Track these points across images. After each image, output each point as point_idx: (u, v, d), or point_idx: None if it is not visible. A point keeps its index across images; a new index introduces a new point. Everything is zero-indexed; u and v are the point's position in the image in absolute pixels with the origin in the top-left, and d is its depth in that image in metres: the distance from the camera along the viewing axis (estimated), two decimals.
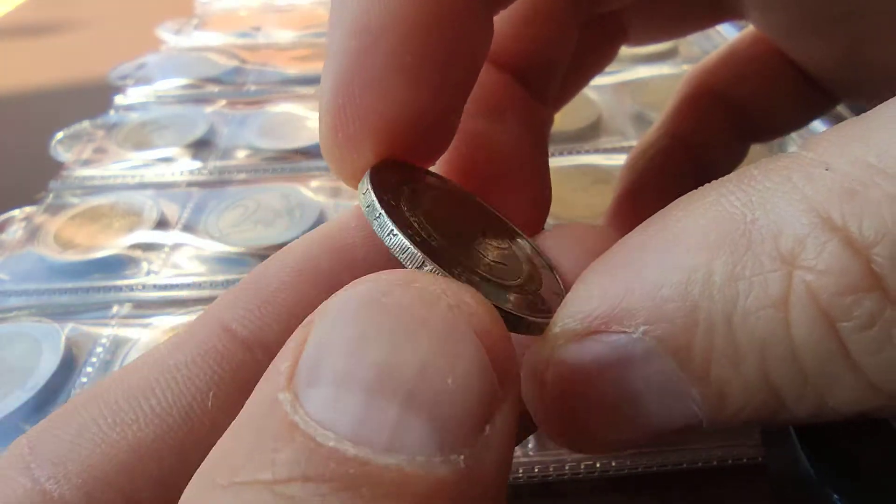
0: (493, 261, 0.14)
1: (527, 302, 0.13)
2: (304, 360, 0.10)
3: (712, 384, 0.11)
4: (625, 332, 0.12)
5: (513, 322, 0.12)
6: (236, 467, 0.09)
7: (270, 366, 0.11)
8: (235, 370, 0.14)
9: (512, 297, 0.13)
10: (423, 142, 0.16)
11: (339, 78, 0.14)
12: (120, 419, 0.13)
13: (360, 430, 0.09)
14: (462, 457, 0.09)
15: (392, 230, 0.12)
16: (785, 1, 0.21)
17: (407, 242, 0.12)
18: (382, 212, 0.12)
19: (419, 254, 0.12)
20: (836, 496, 0.18)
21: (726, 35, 0.45)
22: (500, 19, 0.19)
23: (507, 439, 0.10)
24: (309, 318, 0.11)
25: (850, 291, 0.10)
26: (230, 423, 0.11)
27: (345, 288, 0.11)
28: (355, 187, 0.15)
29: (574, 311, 0.12)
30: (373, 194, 0.13)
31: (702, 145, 0.25)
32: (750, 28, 0.25)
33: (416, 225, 0.13)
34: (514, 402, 0.11)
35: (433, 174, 0.17)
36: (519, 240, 0.16)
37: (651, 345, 0.11)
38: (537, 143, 0.19)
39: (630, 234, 0.13)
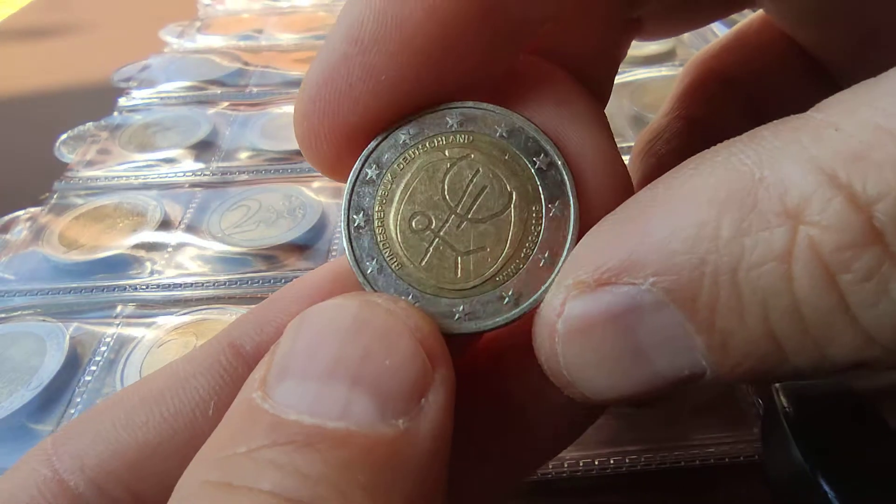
0: (465, 250, 0.15)
1: (470, 305, 0.15)
2: (274, 365, 0.13)
3: (717, 334, 0.12)
4: (634, 284, 0.12)
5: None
6: (219, 448, 0.12)
7: (249, 376, 0.13)
8: (235, 382, 0.15)
9: (461, 305, 0.15)
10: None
11: (319, 74, 0.15)
12: (132, 422, 0.15)
13: (317, 407, 0.12)
14: (401, 421, 0.12)
15: (355, 268, 0.15)
16: None
17: (363, 280, 0.15)
18: (348, 247, 0.15)
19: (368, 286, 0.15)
20: (832, 493, 0.18)
21: (718, 33, 0.45)
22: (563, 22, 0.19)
23: (444, 412, 0.13)
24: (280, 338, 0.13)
25: (851, 246, 0.10)
26: None
27: (306, 309, 0.13)
28: (323, 171, 0.17)
29: (585, 263, 0.13)
30: (344, 234, 0.15)
31: (714, 127, 0.25)
32: (757, 14, 0.25)
33: (380, 246, 0.15)
34: (446, 381, 0.13)
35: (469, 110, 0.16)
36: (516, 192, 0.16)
37: (659, 296, 0.12)
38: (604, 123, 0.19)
39: (640, 191, 0.13)
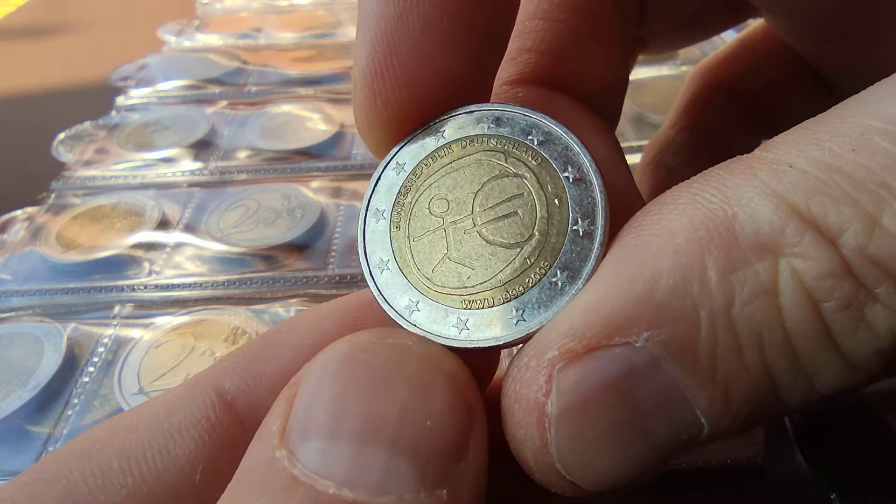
0: (454, 257, 0.14)
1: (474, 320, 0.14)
2: (294, 417, 0.11)
3: (718, 383, 0.11)
4: (627, 344, 0.11)
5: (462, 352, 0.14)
6: None
7: (261, 426, 0.12)
8: (226, 443, 0.14)
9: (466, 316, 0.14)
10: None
11: (376, 44, 0.14)
12: (110, 482, 0.13)
13: (355, 477, 0.11)
14: (445, 490, 0.11)
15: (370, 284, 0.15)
16: (795, 4, 0.21)
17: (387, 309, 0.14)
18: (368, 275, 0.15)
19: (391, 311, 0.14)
20: (833, 496, 0.18)
21: (725, 38, 0.45)
22: (569, 51, 0.19)
23: (482, 469, 0.12)
24: (294, 378, 0.12)
25: (829, 275, 0.11)
26: (215, 496, 0.12)
27: (325, 349, 0.12)
28: (380, 144, 0.16)
29: (569, 328, 0.12)
30: (361, 236, 0.15)
31: (721, 138, 0.25)
32: (759, 23, 0.25)
33: (394, 250, 0.15)
34: (482, 434, 0.12)
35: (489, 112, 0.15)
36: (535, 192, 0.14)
37: (655, 352, 0.11)
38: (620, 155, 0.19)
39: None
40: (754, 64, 0.25)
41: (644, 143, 0.37)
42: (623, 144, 0.41)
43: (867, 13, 0.20)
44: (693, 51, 0.48)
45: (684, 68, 0.46)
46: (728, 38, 0.41)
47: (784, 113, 0.25)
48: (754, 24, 0.26)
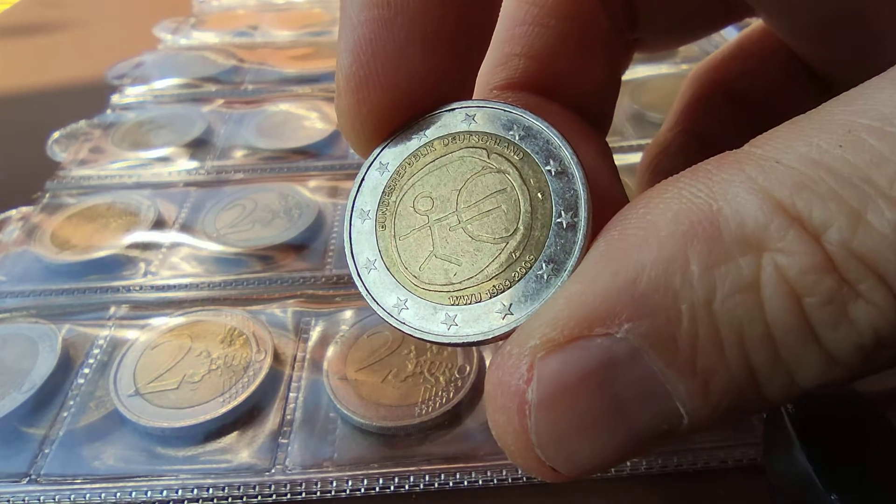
0: (441, 254, 0.14)
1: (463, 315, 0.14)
2: None
3: (698, 375, 0.11)
4: (608, 334, 0.12)
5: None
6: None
7: None
8: None
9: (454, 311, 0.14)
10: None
11: (360, 50, 0.14)
12: None
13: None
14: None
15: (358, 286, 0.15)
16: (794, 4, 0.21)
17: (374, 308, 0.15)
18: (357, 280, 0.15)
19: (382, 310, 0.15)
20: (834, 496, 0.18)
21: (726, 36, 0.45)
22: (559, 56, 0.19)
23: None
24: None
25: (812, 270, 0.11)
26: None
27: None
28: (365, 146, 0.16)
29: (551, 318, 0.12)
30: (347, 243, 0.15)
31: (719, 141, 0.25)
32: (757, 24, 0.25)
33: (380, 250, 0.15)
34: None
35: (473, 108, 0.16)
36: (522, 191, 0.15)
37: (636, 343, 0.11)
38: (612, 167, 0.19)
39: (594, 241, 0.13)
40: (753, 65, 0.25)
41: (644, 142, 0.37)
42: (623, 143, 0.41)
43: (864, 13, 0.20)
44: (693, 49, 0.48)
45: (684, 66, 0.46)
46: (729, 35, 0.41)
47: (783, 114, 0.25)
48: (753, 25, 0.25)
